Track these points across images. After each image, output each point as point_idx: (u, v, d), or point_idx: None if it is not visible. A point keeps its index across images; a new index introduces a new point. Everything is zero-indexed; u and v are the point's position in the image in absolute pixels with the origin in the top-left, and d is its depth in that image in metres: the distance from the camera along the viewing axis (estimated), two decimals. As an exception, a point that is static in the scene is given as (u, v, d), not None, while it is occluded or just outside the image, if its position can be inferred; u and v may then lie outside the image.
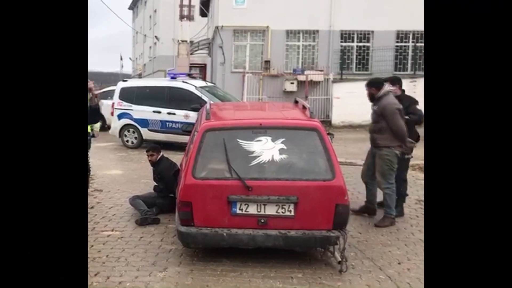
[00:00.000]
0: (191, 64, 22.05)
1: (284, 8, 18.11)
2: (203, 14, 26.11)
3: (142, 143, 13.07)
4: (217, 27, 19.21)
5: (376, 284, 4.67)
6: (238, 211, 4.99)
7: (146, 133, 13.05)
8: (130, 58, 55.63)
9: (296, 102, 6.43)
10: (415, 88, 16.65)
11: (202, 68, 24.35)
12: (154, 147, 7.49)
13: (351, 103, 15.82)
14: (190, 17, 32.29)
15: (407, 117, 6.47)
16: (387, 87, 6.45)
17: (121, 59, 50.50)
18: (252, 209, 4.98)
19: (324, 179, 4.93)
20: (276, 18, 18.25)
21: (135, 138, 13.28)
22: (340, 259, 4.93)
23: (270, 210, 4.96)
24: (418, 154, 10.71)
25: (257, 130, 5.19)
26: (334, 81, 17.56)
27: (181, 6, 24.87)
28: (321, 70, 18.03)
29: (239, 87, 18.40)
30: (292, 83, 17.85)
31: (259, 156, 5.05)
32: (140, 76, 39.94)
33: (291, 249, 5.10)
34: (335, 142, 8.24)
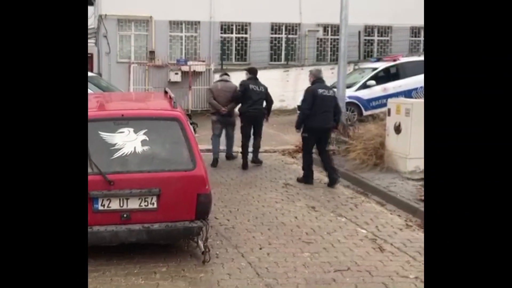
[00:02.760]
0: (77, 54, 20.37)
1: (166, -1, 17.24)
2: (90, 2, 24.25)
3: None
4: (101, 16, 17.87)
5: (237, 272, 4.36)
6: (100, 207, 4.40)
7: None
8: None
9: (166, 92, 5.94)
10: (287, 77, 16.82)
11: (89, 58, 22.64)
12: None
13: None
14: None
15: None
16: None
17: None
18: (115, 204, 4.43)
19: (185, 169, 4.50)
20: (159, 9, 17.30)
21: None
22: (203, 249, 4.55)
23: (133, 204, 4.44)
24: (286, 139, 10.77)
25: (119, 121, 4.62)
26: (215, 71, 17.10)
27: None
28: (203, 61, 17.46)
29: (125, 77, 17.29)
30: (176, 73, 17.07)
31: (121, 149, 4.49)
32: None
33: (155, 242, 4.64)
34: (203, 130, 7.96)
